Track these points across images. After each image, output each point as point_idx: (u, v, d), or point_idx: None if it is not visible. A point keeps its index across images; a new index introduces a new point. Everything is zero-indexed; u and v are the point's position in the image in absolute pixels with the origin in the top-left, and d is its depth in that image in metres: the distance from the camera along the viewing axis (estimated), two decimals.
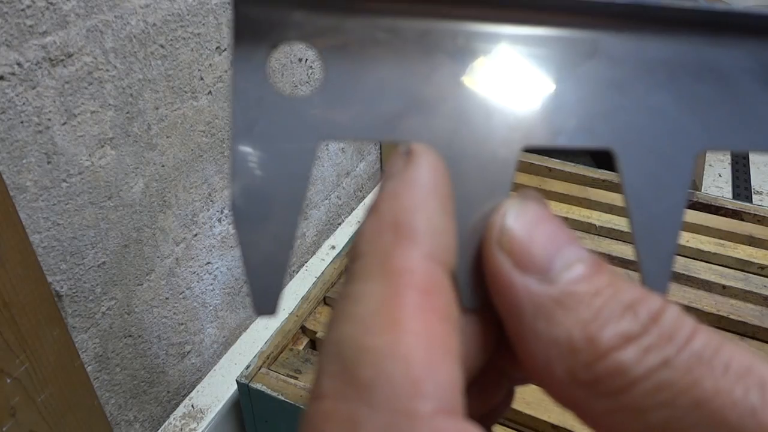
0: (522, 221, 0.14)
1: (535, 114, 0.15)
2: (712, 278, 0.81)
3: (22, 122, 0.50)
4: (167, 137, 0.66)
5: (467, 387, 0.13)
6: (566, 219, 0.92)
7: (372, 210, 0.13)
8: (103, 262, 0.62)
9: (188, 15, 0.64)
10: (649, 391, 0.12)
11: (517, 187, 0.14)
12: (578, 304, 0.13)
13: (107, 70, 0.56)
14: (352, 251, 0.13)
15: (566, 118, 0.15)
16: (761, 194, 1.54)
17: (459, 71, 0.15)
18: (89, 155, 0.57)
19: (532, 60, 0.15)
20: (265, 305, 0.14)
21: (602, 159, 1.52)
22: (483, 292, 0.14)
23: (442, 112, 0.14)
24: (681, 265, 0.83)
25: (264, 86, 0.14)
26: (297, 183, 0.14)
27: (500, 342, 0.15)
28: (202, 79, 0.69)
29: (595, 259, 0.13)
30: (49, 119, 0.52)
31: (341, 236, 1.06)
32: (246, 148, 0.14)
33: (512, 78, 0.15)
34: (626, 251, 0.85)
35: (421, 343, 0.11)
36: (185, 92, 0.67)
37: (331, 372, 0.12)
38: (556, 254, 0.13)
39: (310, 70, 0.87)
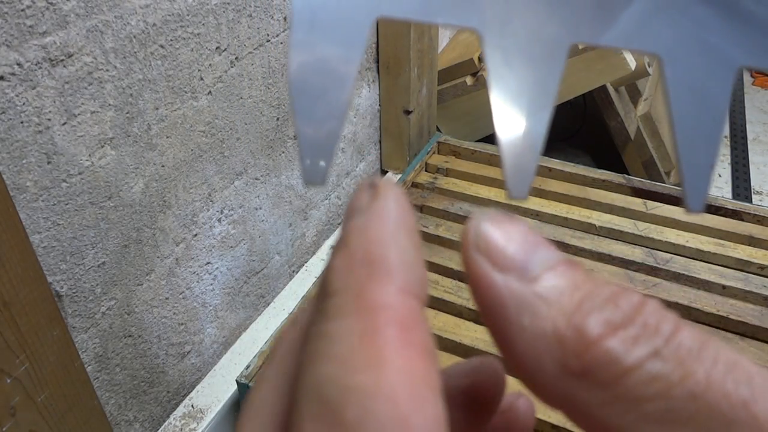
0: (495, 225, 0.14)
1: (584, 12, 0.15)
2: (712, 278, 0.81)
3: (22, 122, 0.50)
4: (167, 137, 0.66)
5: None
6: (566, 219, 0.92)
7: (340, 245, 0.13)
8: (103, 262, 0.62)
9: (188, 15, 0.64)
10: (643, 382, 0.12)
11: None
12: (560, 296, 0.13)
13: (107, 70, 0.56)
14: (323, 289, 0.13)
15: (614, 19, 0.15)
16: (761, 194, 1.54)
17: None
18: (89, 155, 0.57)
19: None
20: (315, 176, 0.14)
21: (602, 159, 1.52)
22: None
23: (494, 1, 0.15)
24: (681, 265, 0.83)
25: None
26: (353, 54, 0.14)
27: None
28: (202, 79, 0.69)
29: (570, 259, 0.14)
30: (49, 119, 0.52)
31: None
32: (304, 20, 0.14)
33: None
34: (626, 251, 0.85)
35: (405, 379, 0.11)
36: (185, 92, 0.67)
37: (313, 414, 0.11)
38: (532, 253, 0.13)
39: None
